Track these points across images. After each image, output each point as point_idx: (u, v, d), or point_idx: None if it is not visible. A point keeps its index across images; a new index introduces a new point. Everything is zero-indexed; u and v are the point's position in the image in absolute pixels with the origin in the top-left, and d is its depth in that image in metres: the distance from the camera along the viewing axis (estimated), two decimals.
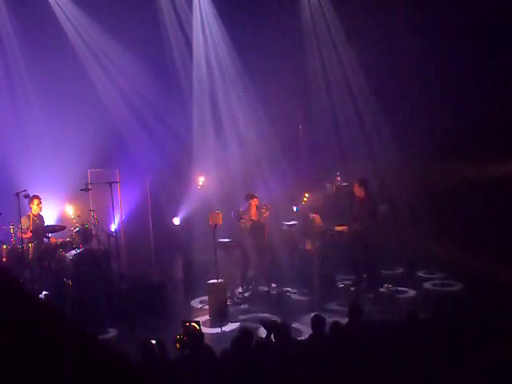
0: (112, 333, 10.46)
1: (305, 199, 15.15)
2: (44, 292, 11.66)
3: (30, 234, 12.22)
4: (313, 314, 7.98)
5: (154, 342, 7.10)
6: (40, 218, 12.74)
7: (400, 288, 12.62)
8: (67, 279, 11.95)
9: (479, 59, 14.33)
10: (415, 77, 15.76)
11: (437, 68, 15.33)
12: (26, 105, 15.04)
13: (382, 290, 12.44)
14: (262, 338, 7.56)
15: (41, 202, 12.64)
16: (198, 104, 17.43)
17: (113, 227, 13.87)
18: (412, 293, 12.43)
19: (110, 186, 12.58)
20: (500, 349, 6.17)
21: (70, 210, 13.80)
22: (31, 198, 12.44)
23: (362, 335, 7.20)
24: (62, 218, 14.16)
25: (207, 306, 11.83)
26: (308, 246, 13.59)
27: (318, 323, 7.46)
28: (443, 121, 14.97)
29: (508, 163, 13.47)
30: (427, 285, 12.94)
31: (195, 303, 12.45)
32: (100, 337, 9.92)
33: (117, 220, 13.48)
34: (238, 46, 16.76)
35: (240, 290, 12.72)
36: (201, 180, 17.02)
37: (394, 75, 15.54)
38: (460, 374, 5.69)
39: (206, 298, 12.11)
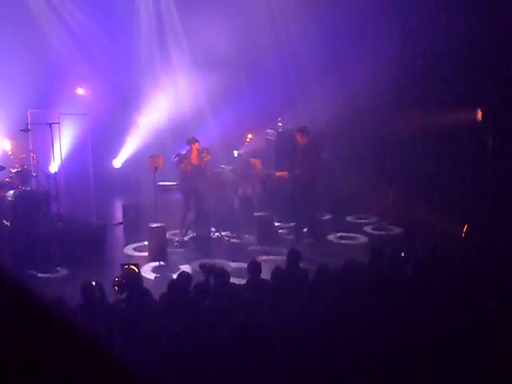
0: (50, 275, 10.42)
1: (248, 140, 15.17)
2: None
3: None
4: (250, 259, 8.19)
5: (93, 283, 7.15)
6: None
7: (345, 234, 13.01)
8: (5, 220, 11.84)
9: None
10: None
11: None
12: None
13: (329, 237, 12.78)
14: (201, 281, 7.70)
15: None
16: (142, 39, 17.30)
17: (52, 168, 13.72)
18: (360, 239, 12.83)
19: (51, 126, 12.44)
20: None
21: (8, 146, 13.67)
22: None
23: (300, 280, 7.42)
24: (1, 158, 13.93)
25: (142, 253, 11.91)
26: (248, 191, 13.72)
27: (254, 268, 7.66)
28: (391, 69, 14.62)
29: (458, 112, 13.29)
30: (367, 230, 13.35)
31: (129, 250, 12.33)
32: (38, 278, 9.95)
33: (57, 161, 13.31)
34: None
35: (180, 233, 12.78)
36: (143, 122, 16.91)
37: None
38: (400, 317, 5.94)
39: (140, 244, 12.26)
